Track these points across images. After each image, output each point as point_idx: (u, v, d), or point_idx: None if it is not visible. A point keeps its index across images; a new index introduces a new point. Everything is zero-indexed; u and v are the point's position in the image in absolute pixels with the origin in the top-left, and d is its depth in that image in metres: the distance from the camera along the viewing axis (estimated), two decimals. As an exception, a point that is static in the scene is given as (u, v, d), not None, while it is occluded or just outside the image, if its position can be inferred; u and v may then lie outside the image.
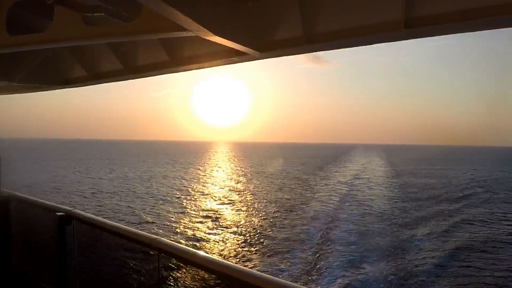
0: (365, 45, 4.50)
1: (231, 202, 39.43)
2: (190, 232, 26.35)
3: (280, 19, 4.51)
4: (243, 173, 72.89)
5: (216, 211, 34.08)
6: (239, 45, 4.26)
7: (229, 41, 4.09)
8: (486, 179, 63.65)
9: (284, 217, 31.51)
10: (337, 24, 4.21)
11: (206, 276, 3.12)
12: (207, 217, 31.58)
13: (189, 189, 48.49)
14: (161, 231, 26.13)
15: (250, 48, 4.43)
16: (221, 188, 50.92)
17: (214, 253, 21.24)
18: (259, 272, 2.65)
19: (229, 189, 49.13)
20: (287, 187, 50.67)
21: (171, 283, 3.42)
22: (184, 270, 3.35)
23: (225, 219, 31.09)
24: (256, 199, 41.31)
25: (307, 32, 4.30)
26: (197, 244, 22.91)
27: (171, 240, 3.87)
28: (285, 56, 5.02)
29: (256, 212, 33.97)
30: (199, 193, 45.39)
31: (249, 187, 51.39)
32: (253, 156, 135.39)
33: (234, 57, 5.05)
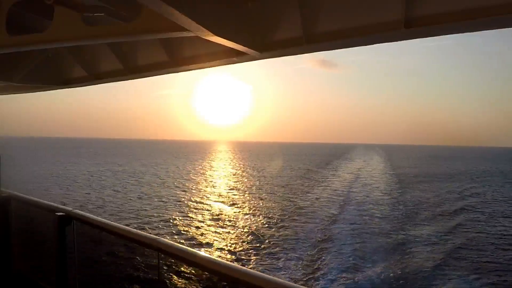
0: (365, 45, 4.50)
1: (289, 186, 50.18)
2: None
3: (280, 19, 4.51)
4: (274, 168, 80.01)
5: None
6: (239, 45, 4.26)
7: (229, 41, 4.09)
8: (472, 172, 77.29)
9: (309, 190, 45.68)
10: (337, 24, 4.20)
11: (206, 276, 3.12)
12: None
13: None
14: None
15: (250, 48, 4.42)
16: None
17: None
18: (259, 272, 2.65)
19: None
20: (307, 176, 63.10)
21: (171, 283, 3.42)
22: (184, 270, 3.35)
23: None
24: (288, 181, 54.71)
25: (307, 32, 4.30)
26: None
27: (171, 240, 3.88)
28: (286, 56, 5.02)
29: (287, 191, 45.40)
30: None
31: (280, 175, 64.31)
32: (263, 155, 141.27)
33: (234, 57, 5.04)
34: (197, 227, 27.31)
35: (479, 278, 18.32)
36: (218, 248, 22.40)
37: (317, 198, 39.56)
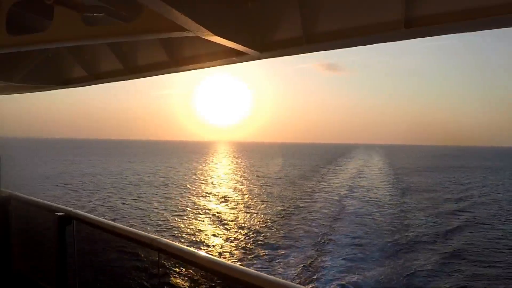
0: (365, 45, 4.50)
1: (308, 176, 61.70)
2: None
3: (280, 19, 4.51)
4: (288, 164, 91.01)
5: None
6: (239, 45, 4.26)
7: (229, 41, 4.09)
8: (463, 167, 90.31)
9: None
10: (337, 24, 4.20)
11: (206, 276, 3.12)
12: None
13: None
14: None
15: (250, 48, 4.42)
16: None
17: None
18: (259, 272, 2.65)
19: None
20: (317, 170, 74.37)
21: (171, 283, 3.42)
22: (184, 270, 3.35)
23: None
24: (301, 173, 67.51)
25: (307, 32, 4.29)
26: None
27: (171, 240, 3.88)
28: (286, 56, 5.02)
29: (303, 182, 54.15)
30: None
31: (294, 169, 76.41)
32: (269, 155, 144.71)
33: (234, 57, 5.04)
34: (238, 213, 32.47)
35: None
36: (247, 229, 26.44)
37: (329, 184, 50.59)
